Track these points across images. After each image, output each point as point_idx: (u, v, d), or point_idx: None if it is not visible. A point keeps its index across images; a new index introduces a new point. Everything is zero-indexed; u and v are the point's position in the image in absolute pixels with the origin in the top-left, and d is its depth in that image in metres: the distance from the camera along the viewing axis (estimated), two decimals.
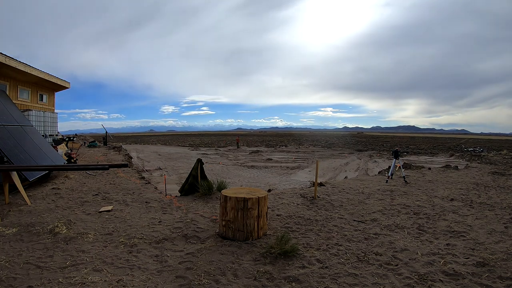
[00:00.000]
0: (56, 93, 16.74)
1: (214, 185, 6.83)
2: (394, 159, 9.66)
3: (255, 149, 32.31)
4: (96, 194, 6.60)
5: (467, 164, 15.09)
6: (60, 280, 2.88)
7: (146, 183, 8.54)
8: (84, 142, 24.40)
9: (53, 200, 6.03)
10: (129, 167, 11.31)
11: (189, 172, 7.36)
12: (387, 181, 9.24)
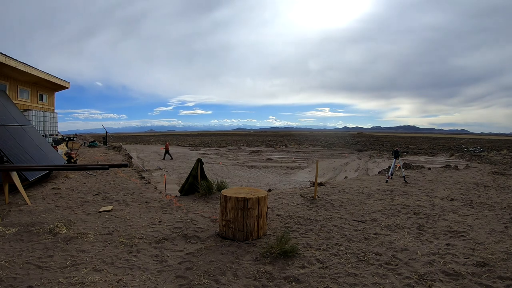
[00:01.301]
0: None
1: (214, 185, 6.83)
2: (394, 159, 9.67)
3: (255, 149, 32.31)
4: (96, 194, 6.60)
5: (467, 164, 15.09)
6: (60, 280, 2.88)
7: (146, 183, 8.54)
8: (84, 142, 24.40)
9: (53, 200, 6.03)
10: (129, 167, 11.31)
11: (189, 172, 7.36)
12: (387, 181, 9.24)
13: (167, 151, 21.48)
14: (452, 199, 6.71)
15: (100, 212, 5.28)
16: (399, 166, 9.92)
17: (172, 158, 20.95)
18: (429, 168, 12.68)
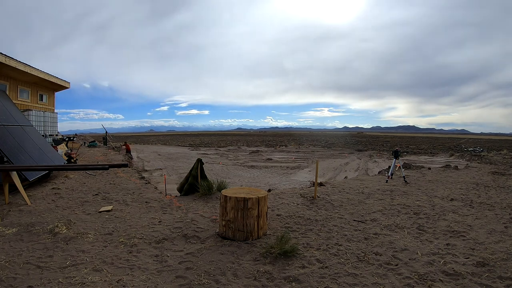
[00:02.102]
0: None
1: (214, 185, 6.83)
2: (394, 159, 9.67)
3: (255, 149, 32.31)
4: (96, 194, 6.60)
5: (467, 164, 15.09)
6: (60, 280, 2.88)
7: (146, 183, 8.54)
8: (84, 142, 24.41)
9: (53, 200, 6.03)
10: (129, 167, 11.31)
11: (188, 172, 7.35)
12: (387, 181, 9.24)
13: (128, 151, 20.38)
14: (452, 199, 6.71)
15: (100, 212, 5.28)
16: (399, 166, 9.92)
17: (132, 158, 19.99)
18: (429, 168, 12.68)
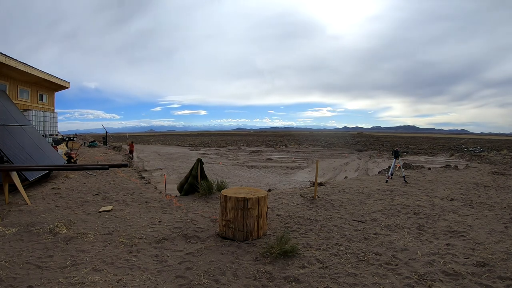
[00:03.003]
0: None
1: (214, 185, 6.83)
2: (394, 159, 9.67)
3: (255, 149, 32.32)
4: (96, 194, 6.60)
5: (467, 164, 15.09)
6: (60, 280, 2.88)
7: (146, 183, 8.54)
8: (84, 142, 24.41)
9: (53, 200, 6.03)
10: (129, 167, 11.31)
11: (188, 171, 7.35)
12: (387, 181, 9.24)
13: (131, 151, 20.49)
14: (452, 199, 6.71)
15: (100, 212, 5.28)
16: (399, 166, 9.92)
17: (133, 158, 19.87)
18: (429, 168, 12.67)
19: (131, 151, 20.47)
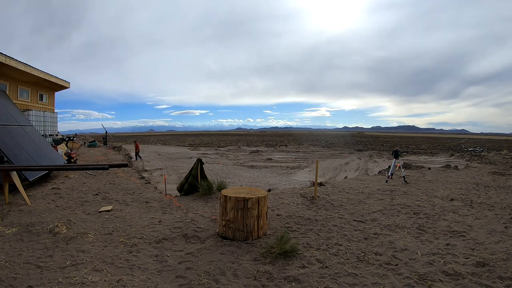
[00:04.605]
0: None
1: (214, 185, 6.83)
2: (394, 159, 9.66)
3: (255, 149, 32.32)
4: (96, 194, 6.60)
5: (467, 164, 15.09)
6: (60, 280, 2.88)
7: (146, 183, 8.54)
8: (84, 142, 24.41)
9: (53, 200, 6.03)
10: (129, 167, 11.31)
11: (188, 171, 7.36)
12: (387, 181, 9.24)
13: (137, 152, 20.49)
14: (452, 199, 6.71)
15: (100, 212, 5.28)
16: (399, 166, 9.92)
17: (141, 159, 19.85)
18: (429, 168, 12.67)
19: (138, 152, 20.13)
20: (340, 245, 3.92)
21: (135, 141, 22.87)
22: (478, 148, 33.42)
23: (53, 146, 11.12)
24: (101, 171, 9.49)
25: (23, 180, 6.24)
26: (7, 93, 11.54)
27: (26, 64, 11.59)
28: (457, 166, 13.13)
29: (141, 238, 4.04)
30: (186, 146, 38.57)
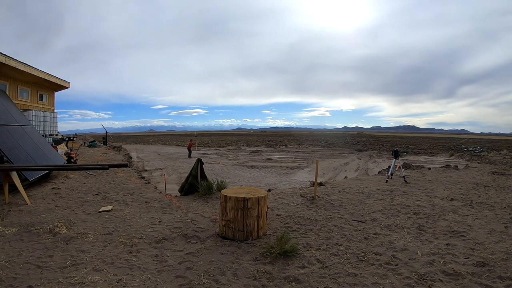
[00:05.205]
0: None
1: (214, 185, 6.83)
2: (394, 159, 9.67)
3: (255, 149, 32.31)
4: (96, 194, 6.60)
5: (467, 164, 15.09)
6: (60, 280, 2.88)
7: (146, 183, 8.54)
8: (84, 142, 24.41)
9: (53, 200, 6.03)
10: (129, 167, 11.31)
11: (189, 172, 7.36)
12: (387, 181, 9.24)
13: (189, 149, 23.02)
14: (452, 199, 6.71)
15: (100, 212, 5.28)
16: (399, 166, 9.92)
17: (190, 157, 21.84)
18: (429, 168, 12.67)
19: (190, 150, 22.78)
20: (340, 245, 3.92)
21: (190, 140, 25.86)
22: (478, 148, 33.44)
23: (53, 146, 11.12)
24: (101, 171, 9.48)
25: (23, 180, 6.24)
26: (7, 93, 11.54)
27: (26, 64, 11.59)
28: (457, 166, 13.13)
29: (141, 238, 4.04)
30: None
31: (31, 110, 12.75)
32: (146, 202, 6.15)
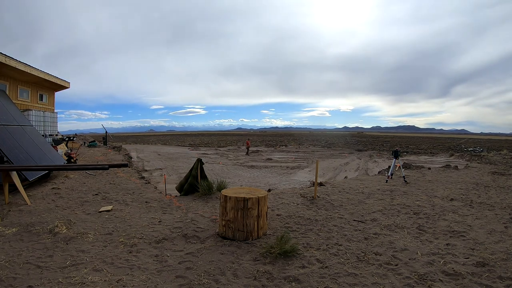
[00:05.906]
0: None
1: (214, 185, 6.83)
2: (394, 159, 9.67)
3: (255, 149, 32.31)
4: (96, 194, 6.60)
5: (467, 164, 15.09)
6: (60, 280, 2.88)
7: (146, 183, 8.54)
8: (84, 142, 24.40)
9: (53, 200, 6.03)
10: (129, 167, 11.31)
11: (188, 171, 7.35)
12: (387, 181, 9.24)
13: (247, 148, 25.85)
14: (452, 199, 6.71)
15: (100, 212, 5.28)
16: (399, 166, 9.92)
17: (248, 155, 23.95)
18: (429, 168, 12.68)
19: (248, 148, 25.35)
20: (340, 245, 3.92)
21: (248, 139, 28.60)
22: (478, 148, 33.43)
23: (53, 146, 11.12)
24: (101, 171, 9.48)
25: (23, 180, 6.24)
26: (7, 93, 11.54)
27: (26, 64, 11.59)
28: (457, 166, 13.13)
29: (141, 238, 4.04)
30: (186, 146, 38.57)
31: (31, 110, 12.75)
32: (146, 202, 6.15)
